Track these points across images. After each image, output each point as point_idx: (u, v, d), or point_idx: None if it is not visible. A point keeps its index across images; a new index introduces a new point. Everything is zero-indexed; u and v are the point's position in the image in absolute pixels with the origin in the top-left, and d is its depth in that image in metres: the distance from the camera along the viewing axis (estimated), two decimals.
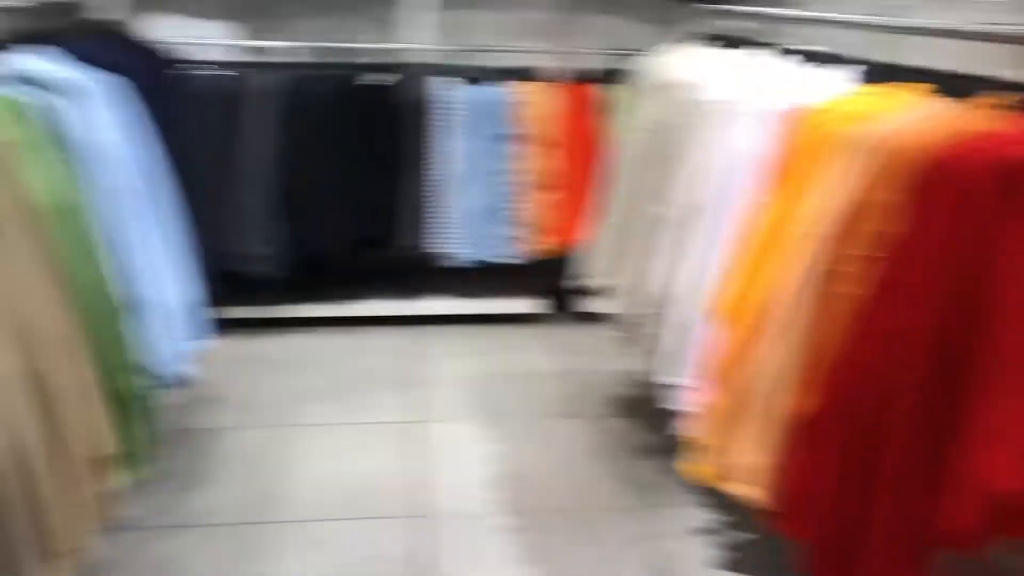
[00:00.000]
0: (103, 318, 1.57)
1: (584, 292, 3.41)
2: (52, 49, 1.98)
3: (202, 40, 3.39)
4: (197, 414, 2.83)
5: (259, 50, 3.59)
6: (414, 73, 3.41)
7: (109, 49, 2.33)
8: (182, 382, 2.07)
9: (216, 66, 3.34)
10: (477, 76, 3.43)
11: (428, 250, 3.42)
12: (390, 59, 3.48)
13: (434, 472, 2.55)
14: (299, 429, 2.79)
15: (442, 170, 3.38)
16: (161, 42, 2.74)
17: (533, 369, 3.27)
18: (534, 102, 3.41)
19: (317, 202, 3.37)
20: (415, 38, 3.53)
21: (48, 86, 1.75)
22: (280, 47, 3.53)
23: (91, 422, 1.49)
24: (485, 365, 3.29)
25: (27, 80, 1.75)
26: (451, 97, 3.36)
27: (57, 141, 1.63)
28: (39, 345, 1.38)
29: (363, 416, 2.88)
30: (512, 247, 3.46)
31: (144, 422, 1.70)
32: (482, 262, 3.48)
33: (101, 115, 1.86)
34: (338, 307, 3.58)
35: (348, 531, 2.26)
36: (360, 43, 3.57)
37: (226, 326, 2.64)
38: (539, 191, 3.43)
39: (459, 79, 3.41)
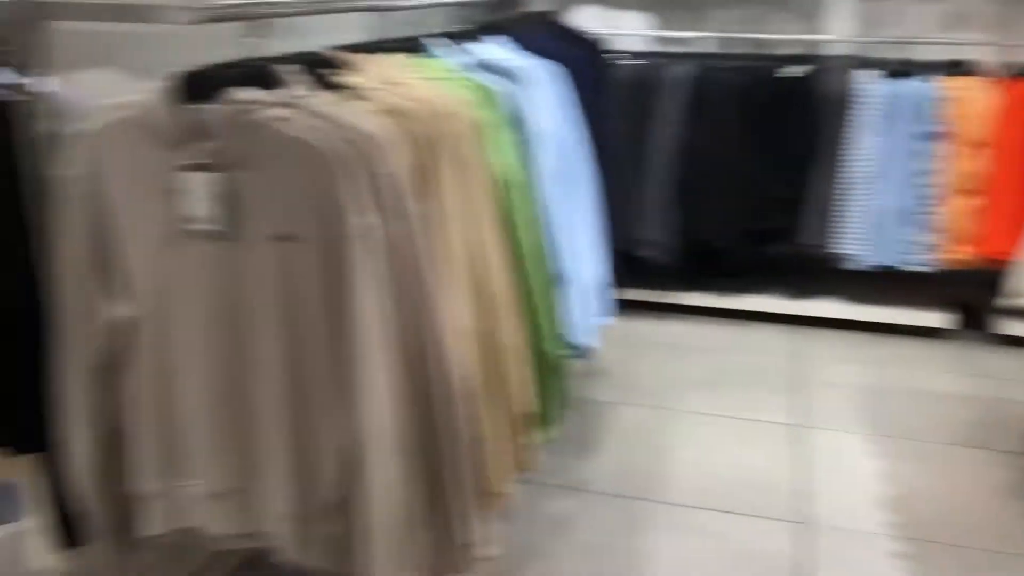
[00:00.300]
0: (539, 287, 1.71)
1: (1007, 311, 3.06)
2: (504, 38, 2.18)
3: (619, 30, 3.53)
4: (587, 386, 2.99)
5: (673, 40, 3.66)
6: (833, 65, 3.27)
7: (548, 38, 2.50)
8: (586, 355, 2.19)
9: (630, 55, 3.46)
10: (902, 69, 3.20)
11: (830, 249, 3.28)
12: (808, 51, 3.37)
13: (817, 480, 2.45)
14: (680, 414, 2.83)
15: (855, 167, 3.22)
16: (588, 31, 2.89)
17: (933, 388, 3.01)
18: (964, 99, 3.11)
19: (717, 192, 3.37)
20: (836, 29, 3.38)
21: (504, 72, 1.93)
22: (693, 37, 3.57)
23: (522, 381, 1.63)
24: (877, 376, 3.09)
25: (487, 67, 1.94)
26: (871, 91, 3.18)
27: (513, 124, 1.79)
28: (489, 305, 1.54)
29: (743, 411, 2.85)
30: (922, 254, 3.21)
31: (559, 388, 1.83)
32: (886, 267, 3.27)
33: (545, 101, 2.02)
34: (727, 299, 3.57)
35: (726, 523, 2.26)
36: (776, 33, 3.50)
37: (620, 306, 2.75)
38: (960, 196, 3.14)
39: (881, 72, 3.22)
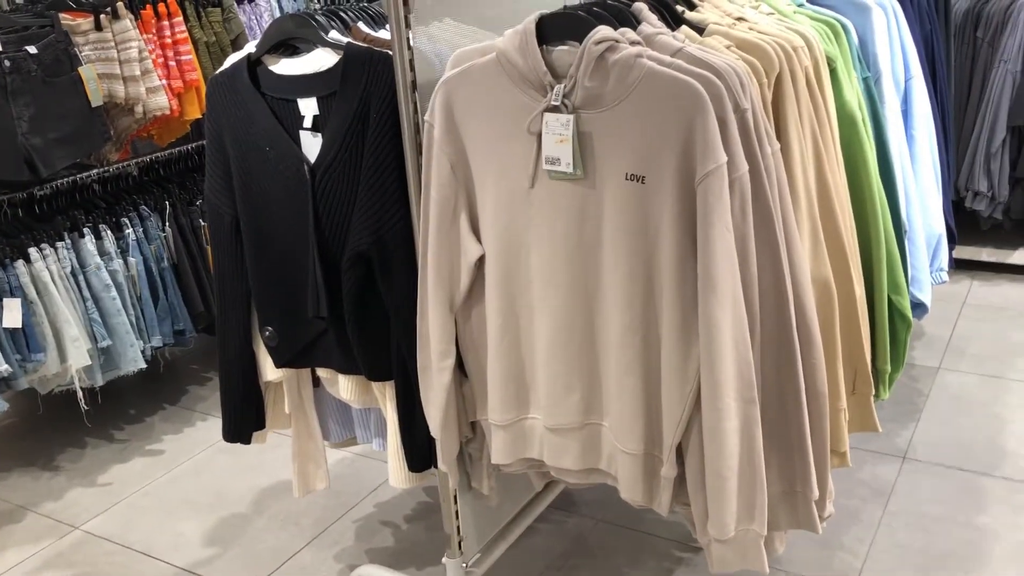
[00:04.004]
0: (884, 235, 1.59)
1: None
2: None
3: None
4: (912, 348, 2.78)
5: None
6: None
7: None
8: (921, 314, 2.02)
9: None
10: None
11: None
12: None
13: None
14: (1012, 384, 2.56)
15: None
16: None
17: None
18: None
19: None
20: None
21: (842, 4, 1.80)
22: None
23: (857, 334, 1.53)
24: None
25: (814, 0, 1.81)
26: None
27: (857, 59, 1.67)
28: (835, 251, 1.45)
29: None
30: None
31: (902, 344, 1.69)
32: None
33: (884, 34, 1.86)
34: None
35: None
36: None
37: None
38: None
39: None
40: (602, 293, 1.28)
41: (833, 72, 1.53)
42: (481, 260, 1.37)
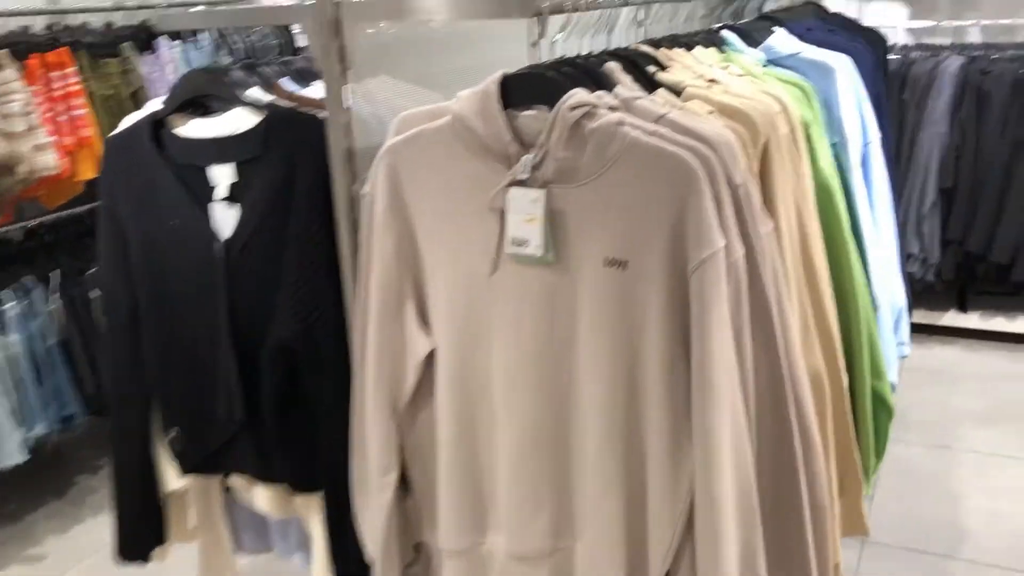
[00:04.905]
0: (864, 315, 1.46)
1: None
2: (782, 30, 1.93)
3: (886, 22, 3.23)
4: None
5: (929, 31, 3.31)
6: None
7: (824, 28, 2.24)
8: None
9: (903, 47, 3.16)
10: None
11: None
12: None
13: None
14: (959, 454, 2.48)
15: None
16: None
17: None
18: None
19: (994, 199, 2.98)
20: None
21: (803, 66, 1.69)
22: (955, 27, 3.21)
23: (846, 430, 1.39)
24: None
25: (783, 61, 1.70)
26: None
27: (824, 123, 1.55)
28: (823, 339, 1.31)
29: None
30: None
31: (882, 436, 1.56)
32: None
33: (847, 96, 1.76)
34: (1005, 320, 3.15)
35: None
36: None
37: None
38: None
39: None
40: (577, 395, 1.09)
41: (808, 139, 1.40)
42: (431, 356, 1.17)
